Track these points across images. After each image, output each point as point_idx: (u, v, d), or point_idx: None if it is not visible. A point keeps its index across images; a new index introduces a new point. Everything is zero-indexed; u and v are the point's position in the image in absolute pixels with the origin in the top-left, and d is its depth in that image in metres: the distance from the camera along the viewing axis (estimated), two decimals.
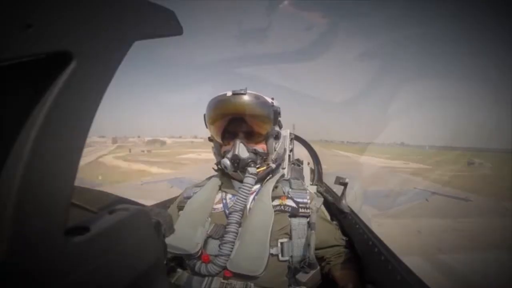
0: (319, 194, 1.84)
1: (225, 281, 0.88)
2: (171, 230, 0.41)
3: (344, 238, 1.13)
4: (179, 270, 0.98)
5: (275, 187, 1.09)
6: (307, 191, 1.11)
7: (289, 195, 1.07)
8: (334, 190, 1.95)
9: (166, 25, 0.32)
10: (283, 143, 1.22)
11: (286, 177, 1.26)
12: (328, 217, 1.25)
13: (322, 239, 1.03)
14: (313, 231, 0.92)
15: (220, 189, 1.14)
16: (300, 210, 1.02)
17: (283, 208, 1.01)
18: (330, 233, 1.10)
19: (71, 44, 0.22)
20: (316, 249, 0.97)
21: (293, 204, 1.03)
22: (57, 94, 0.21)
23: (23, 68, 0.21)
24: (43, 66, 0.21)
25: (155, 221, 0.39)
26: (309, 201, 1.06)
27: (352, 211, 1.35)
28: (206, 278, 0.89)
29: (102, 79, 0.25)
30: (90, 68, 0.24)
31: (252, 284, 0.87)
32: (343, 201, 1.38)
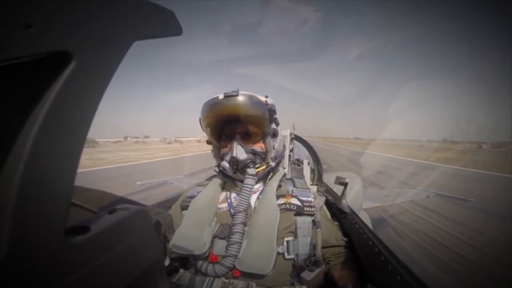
0: (320, 194, 1.84)
1: (227, 281, 0.88)
2: (171, 229, 0.41)
3: (344, 238, 1.13)
4: (181, 270, 0.98)
5: (279, 186, 1.09)
6: (311, 190, 1.12)
7: (294, 194, 1.07)
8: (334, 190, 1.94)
9: (166, 25, 0.32)
10: (282, 141, 1.22)
11: (287, 176, 1.27)
12: (329, 216, 1.25)
13: (323, 238, 1.04)
14: (318, 229, 0.93)
15: (224, 188, 1.14)
16: (305, 208, 1.02)
17: (288, 206, 1.01)
18: (332, 233, 1.10)
19: (71, 44, 0.22)
20: None
21: (298, 203, 1.03)
22: (57, 94, 0.21)
23: (23, 68, 0.21)
24: (43, 66, 0.21)
25: (155, 221, 0.39)
26: (313, 199, 1.06)
27: (352, 211, 1.35)
28: (208, 278, 0.89)
29: (102, 79, 0.25)
30: (90, 68, 0.24)
31: (253, 284, 0.87)
32: (343, 201, 1.38)
